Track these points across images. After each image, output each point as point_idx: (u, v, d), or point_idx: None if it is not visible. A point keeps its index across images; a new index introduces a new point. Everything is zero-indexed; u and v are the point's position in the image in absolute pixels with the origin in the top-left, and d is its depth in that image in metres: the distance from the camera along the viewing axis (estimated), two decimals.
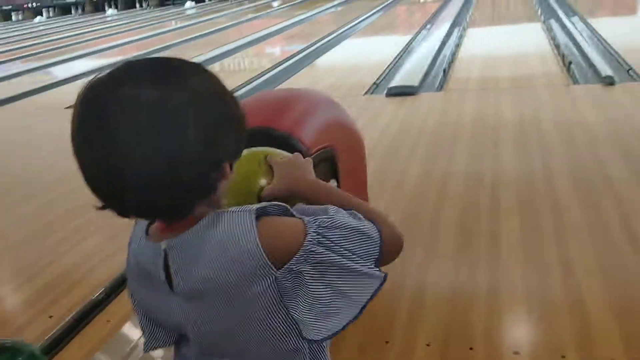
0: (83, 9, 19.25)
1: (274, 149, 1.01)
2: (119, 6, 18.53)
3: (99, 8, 18.64)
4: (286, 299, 0.72)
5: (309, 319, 0.72)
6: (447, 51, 5.46)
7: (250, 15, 12.50)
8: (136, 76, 0.68)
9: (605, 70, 3.93)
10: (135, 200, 0.68)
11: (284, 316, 0.73)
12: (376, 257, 0.75)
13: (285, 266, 0.71)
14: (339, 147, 1.84)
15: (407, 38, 6.67)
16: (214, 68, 6.54)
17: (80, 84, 0.71)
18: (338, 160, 1.81)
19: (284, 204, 0.76)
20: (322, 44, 7.04)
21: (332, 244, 0.72)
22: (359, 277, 0.74)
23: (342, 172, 1.84)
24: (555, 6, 7.57)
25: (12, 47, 10.53)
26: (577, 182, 2.34)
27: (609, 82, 3.66)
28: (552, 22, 6.43)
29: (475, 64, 4.84)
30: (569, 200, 2.20)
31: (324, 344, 0.82)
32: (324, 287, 0.72)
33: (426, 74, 4.54)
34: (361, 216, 0.78)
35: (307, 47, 6.85)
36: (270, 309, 0.73)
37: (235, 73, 6.38)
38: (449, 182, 2.51)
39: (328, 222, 0.73)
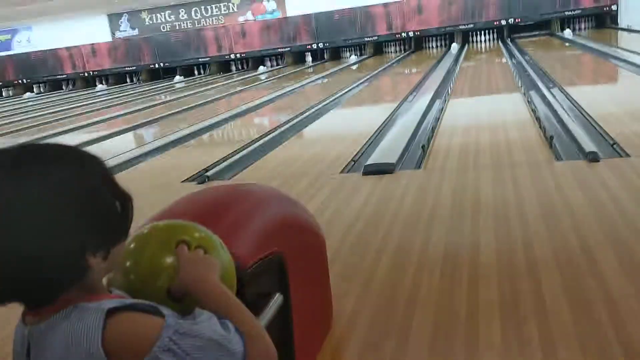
0: (74, 84, 19.52)
1: (193, 225, 0.98)
2: (109, 81, 18.81)
3: (89, 83, 18.90)
4: None
5: None
6: (427, 126, 5.37)
7: (238, 88, 12.64)
8: None
9: (589, 145, 3.80)
10: None
11: None
12: None
13: None
14: (290, 251, 1.62)
15: (389, 109, 6.65)
16: (203, 139, 6.61)
17: None
18: (287, 266, 1.60)
19: (153, 303, 0.77)
20: (308, 115, 7.11)
21: (182, 353, 0.72)
22: None
23: (294, 280, 1.61)
24: (535, 77, 7.61)
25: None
26: (564, 278, 2.12)
27: (593, 158, 3.51)
28: (533, 94, 6.42)
29: (455, 140, 4.71)
30: (555, 299, 1.97)
31: None
32: None
33: (405, 150, 4.41)
34: (233, 329, 0.78)
35: (294, 118, 6.92)
36: None
37: (224, 143, 6.42)
38: (423, 276, 2.27)
39: (187, 329, 0.74)
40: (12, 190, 0.67)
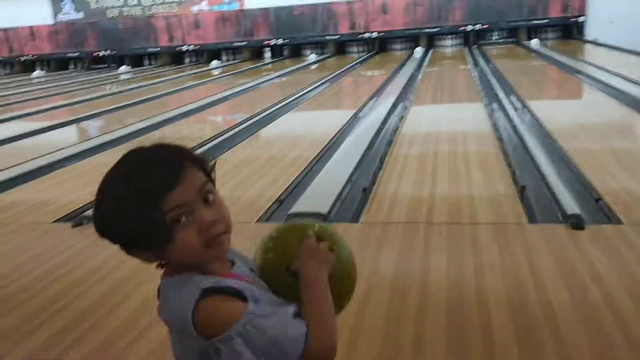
0: (12, 67, 18.06)
1: (320, 224, 1.08)
2: (51, 66, 17.43)
3: (28, 69, 17.45)
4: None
5: None
6: (375, 154, 4.56)
7: (190, 83, 11.66)
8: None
9: (569, 203, 3.00)
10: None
11: None
12: None
13: (212, 339, 0.86)
14: None
15: (345, 118, 5.85)
16: (154, 135, 5.98)
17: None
18: None
19: (246, 285, 0.91)
20: (262, 117, 6.67)
21: (251, 342, 0.86)
22: None
23: None
24: (503, 96, 6.92)
25: None
26: None
27: (576, 224, 2.73)
28: (499, 116, 5.71)
29: (406, 181, 3.82)
30: None
31: None
32: None
33: (343, 190, 3.57)
34: (303, 325, 0.90)
35: (245, 120, 6.49)
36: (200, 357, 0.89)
37: (176, 141, 5.59)
38: None
39: (260, 323, 0.87)
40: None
